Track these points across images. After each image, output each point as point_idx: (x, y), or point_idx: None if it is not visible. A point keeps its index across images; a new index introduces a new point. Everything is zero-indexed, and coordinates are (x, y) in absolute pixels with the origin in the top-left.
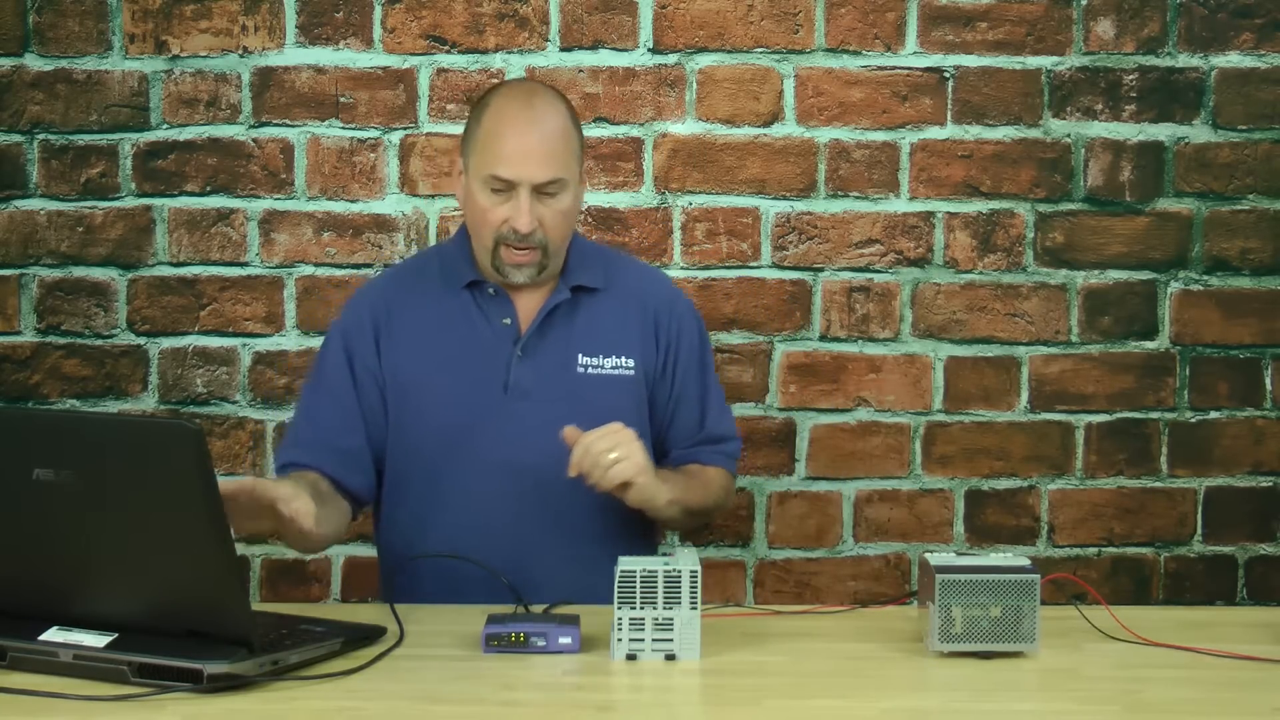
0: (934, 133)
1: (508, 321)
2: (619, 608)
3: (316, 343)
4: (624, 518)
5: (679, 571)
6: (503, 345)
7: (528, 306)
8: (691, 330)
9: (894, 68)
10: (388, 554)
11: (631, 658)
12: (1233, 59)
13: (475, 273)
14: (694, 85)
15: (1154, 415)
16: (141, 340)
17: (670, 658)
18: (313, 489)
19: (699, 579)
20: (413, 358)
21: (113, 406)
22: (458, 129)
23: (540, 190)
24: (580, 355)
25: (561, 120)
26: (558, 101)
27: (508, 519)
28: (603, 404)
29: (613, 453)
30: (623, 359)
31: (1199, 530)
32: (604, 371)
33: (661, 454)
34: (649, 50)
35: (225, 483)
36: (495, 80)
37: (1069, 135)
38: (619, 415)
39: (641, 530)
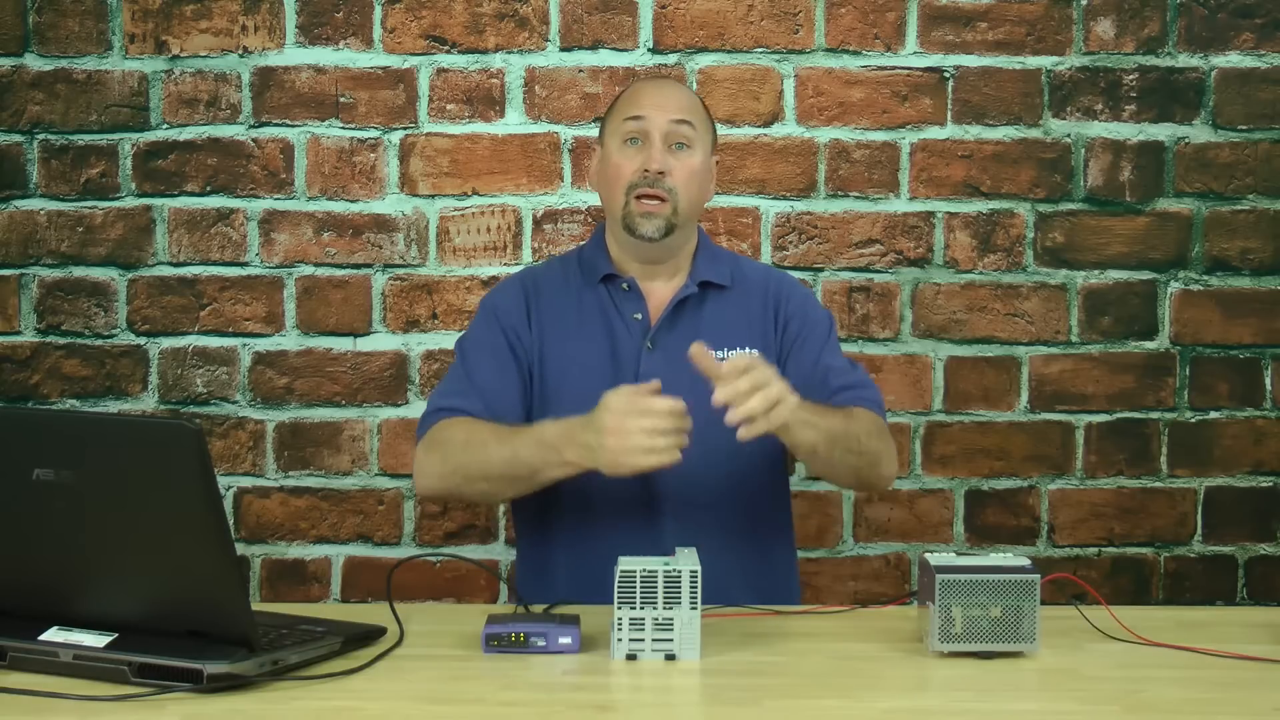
0: (934, 133)
1: (638, 316)
2: (619, 608)
3: (317, 342)
4: (758, 508)
5: (679, 571)
6: (634, 338)
7: (658, 302)
8: (807, 307)
9: (894, 68)
10: (522, 543)
11: (631, 658)
12: (1233, 59)
13: (610, 266)
14: (694, 85)
15: (1154, 415)
16: (141, 340)
17: (670, 658)
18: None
19: (699, 579)
20: (553, 345)
21: (113, 406)
22: (458, 129)
23: (672, 139)
24: (707, 347)
25: (694, 95)
26: (690, 89)
27: (637, 509)
28: None
29: (757, 399)
30: (748, 350)
31: (1199, 530)
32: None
33: None
34: (649, 50)
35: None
36: (495, 80)
37: (1069, 135)
38: None
39: (774, 521)
